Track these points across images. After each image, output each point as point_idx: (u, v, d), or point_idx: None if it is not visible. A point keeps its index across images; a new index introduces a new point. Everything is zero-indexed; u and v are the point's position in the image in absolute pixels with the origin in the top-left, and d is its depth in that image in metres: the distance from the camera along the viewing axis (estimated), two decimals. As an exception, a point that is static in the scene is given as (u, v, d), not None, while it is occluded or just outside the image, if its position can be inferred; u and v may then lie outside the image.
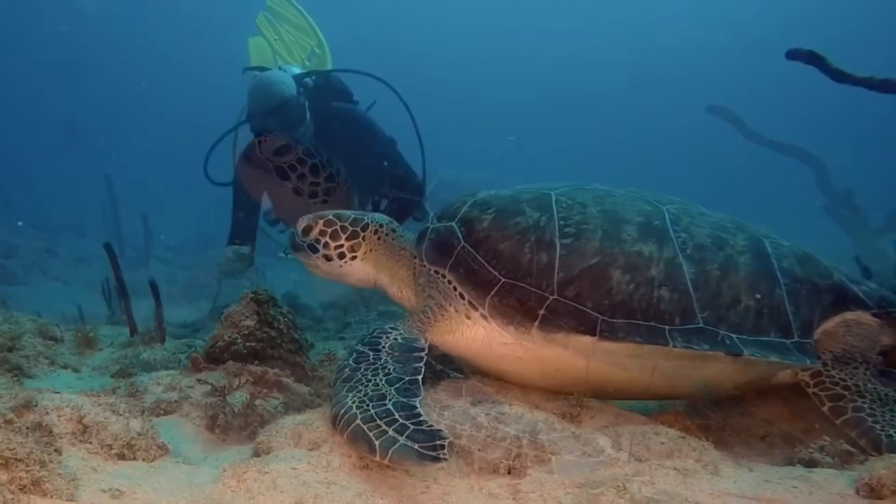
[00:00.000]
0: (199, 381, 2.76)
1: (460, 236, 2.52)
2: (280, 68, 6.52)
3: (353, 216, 2.82)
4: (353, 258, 2.79)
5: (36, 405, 1.86)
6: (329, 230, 2.77)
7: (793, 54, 3.22)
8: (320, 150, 2.82)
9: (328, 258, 2.78)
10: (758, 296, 2.42)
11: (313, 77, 6.47)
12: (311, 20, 7.75)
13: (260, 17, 7.63)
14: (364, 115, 6.42)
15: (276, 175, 2.69)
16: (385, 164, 6.04)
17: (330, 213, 2.82)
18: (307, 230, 2.80)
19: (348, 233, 2.77)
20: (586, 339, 2.24)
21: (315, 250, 2.79)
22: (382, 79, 7.08)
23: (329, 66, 7.77)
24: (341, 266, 2.80)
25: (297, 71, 6.56)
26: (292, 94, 5.90)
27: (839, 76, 3.13)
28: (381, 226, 2.82)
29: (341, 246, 2.77)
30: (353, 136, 6.11)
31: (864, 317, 2.59)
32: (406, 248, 2.77)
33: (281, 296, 4.73)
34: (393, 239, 2.82)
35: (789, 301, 2.47)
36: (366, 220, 2.81)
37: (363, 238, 2.78)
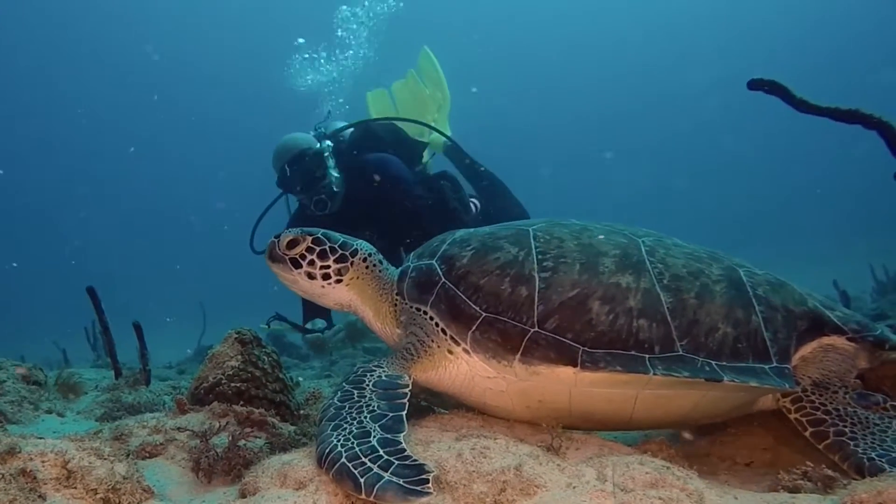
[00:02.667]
0: (178, 428, 2.74)
1: (441, 273, 2.55)
2: (319, 127, 6.73)
3: (342, 239, 2.81)
4: (338, 281, 2.76)
5: (20, 451, 1.84)
6: (317, 248, 2.74)
7: (754, 84, 3.25)
8: (332, 233, 2.85)
9: (311, 276, 2.75)
10: (735, 323, 2.46)
11: (349, 130, 6.66)
12: (444, 77, 8.26)
13: (410, 72, 8.22)
14: (393, 167, 6.42)
15: (291, 266, 2.72)
16: (409, 220, 6.17)
17: (319, 232, 2.80)
18: (293, 244, 2.75)
19: (337, 255, 2.75)
20: (568, 370, 2.26)
21: (297, 265, 2.75)
22: (436, 127, 7.34)
23: (446, 116, 8.08)
24: (323, 287, 2.77)
25: (341, 124, 6.82)
26: (308, 146, 6.14)
27: (803, 106, 3.16)
28: (369, 254, 2.82)
29: (328, 267, 2.74)
30: (384, 186, 6.20)
31: (840, 341, 2.64)
32: (390, 284, 2.77)
33: (265, 335, 4.75)
34: (380, 271, 2.82)
35: (766, 327, 2.50)
36: (355, 246, 2.80)
37: (351, 263, 2.77)
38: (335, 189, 6.20)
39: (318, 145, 6.33)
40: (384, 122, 7.06)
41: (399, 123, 7.16)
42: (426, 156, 7.49)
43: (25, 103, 39.82)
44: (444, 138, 7.51)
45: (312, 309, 6.40)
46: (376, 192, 6.18)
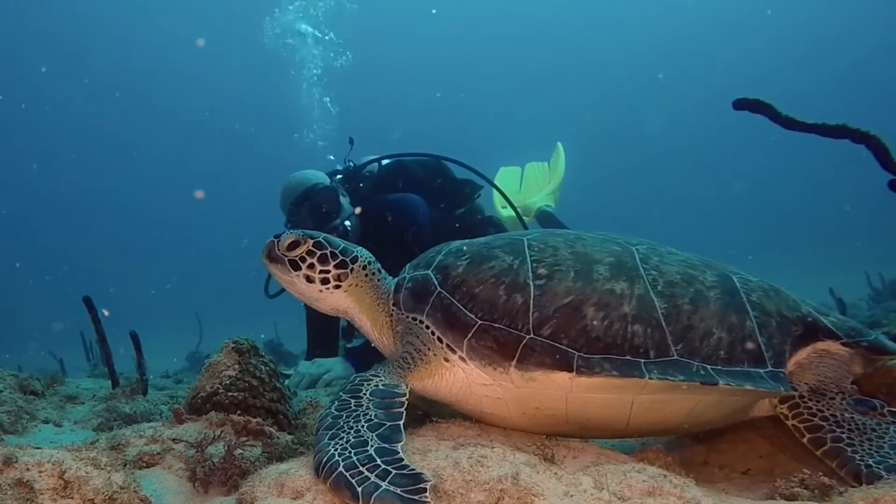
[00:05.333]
0: (175, 438, 2.74)
1: (436, 282, 2.56)
2: (348, 161, 6.51)
3: (342, 245, 2.80)
4: (337, 287, 2.76)
5: (16, 461, 1.84)
6: (318, 252, 2.74)
7: (739, 104, 3.27)
8: (333, 238, 2.82)
9: (309, 280, 2.74)
10: (729, 328, 2.46)
11: (368, 169, 6.37)
12: (563, 166, 8.97)
13: (544, 166, 9.17)
14: (406, 208, 6.04)
15: (290, 267, 2.70)
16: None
17: (320, 236, 2.80)
18: (293, 245, 2.74)
19: (338, 260, 2.75)
20: (563, 376, 2.27)
21: (297, 268, 2.74)
22: (464, 162, 6.85)
23: (551, 192, 8.45)
24: (321, 291, 2.76)
25: (370, 159, 6.53)
26: (318, 182, 5.89)
27: (790, 124, 3.18)
28: (369, 262, 2.82)
29: (327, 272, 2.73)
30: (396, 228, 5.90)
31: (835, 346, 2.65)
32: (387, 294, 2.77)
33: (263, 344, 4.74)
34: (378, 280, 2.82)
35: (760, 332, 2.51)
36: (355, 253, 2.80)
37: (351, 270, 2.76)
38: (348, 227, 5.91)
39: (329, 181, 6.08)
40: (425, 158, 6.65)
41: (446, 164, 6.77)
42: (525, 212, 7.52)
43: (21, 109, 39.82)
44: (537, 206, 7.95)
45: (320, 343, 6.21)
46: (390, 235, 5.86)
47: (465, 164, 6.76)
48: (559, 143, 9.16)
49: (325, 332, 6.26)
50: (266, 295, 6.24)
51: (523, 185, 8.70)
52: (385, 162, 6.53)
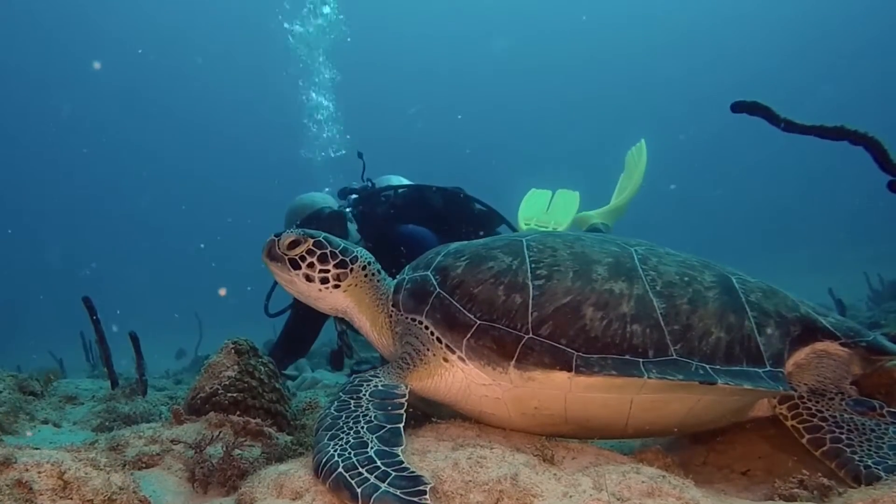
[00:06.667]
0: (172, 441, 2.74)
1: (435, 283, 2.56)
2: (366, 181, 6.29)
3: (342, 245, 2.80)
4: (336, 287, 2.76)
5: (15, 462, 1.84)
6: (318, 252, 2.73)
7: (738, 107, 3.26)
8: (333, 238, 2.80)
9: (309, 279, 2.74)
10: (728, 328, 2.47)
11: (385, 194, 6.15)
12: (643, 170, 8.43)
13: (575, 196, 8.30)
14: (417, 246, 5.62)
15: (289, 266, 2.68)
16: None
17: (321, 235, 2.79)
18: (294, 244, 2.73)
19: (338, 260, 2.74)
20: (562, 375, 2.27)
21: (297, 266, 2.73)
22: (483, 201, 6.48)
23: (607, 217, 7.88)
24: (320, 290, 2.76)
25: (395, 179, 6.36)
26: (324, 206, 5.76)
27: (788, 126, 3.18)
28: (369, 263, 2.82)
29: (327, 271, 2.73)
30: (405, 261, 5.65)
31: (833, 347, 2.65)
32: (387, 295, 2.77)
33: (262, 345, 4.74)
34: (378, 280, 2.82)
35: (759, 333, 2.51)
36: (355, 253, 2.80)
37: (351, 270, 2.76)
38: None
39: (338, 206, 5.91)
40: (445, 188, 6.30)
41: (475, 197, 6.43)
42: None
43: (21, 111, 39.81)
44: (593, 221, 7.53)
45: (292, 346, 6.19)
46: (395, 265, 5.63)
47: (478, 200, 6.49)
48: (642, 141, 8.62)
49: (300, 339, 6.22)
50: (266, 314, 6.18)
51: (551, 208, 8.58)
52: (402, 190, 6.32)
